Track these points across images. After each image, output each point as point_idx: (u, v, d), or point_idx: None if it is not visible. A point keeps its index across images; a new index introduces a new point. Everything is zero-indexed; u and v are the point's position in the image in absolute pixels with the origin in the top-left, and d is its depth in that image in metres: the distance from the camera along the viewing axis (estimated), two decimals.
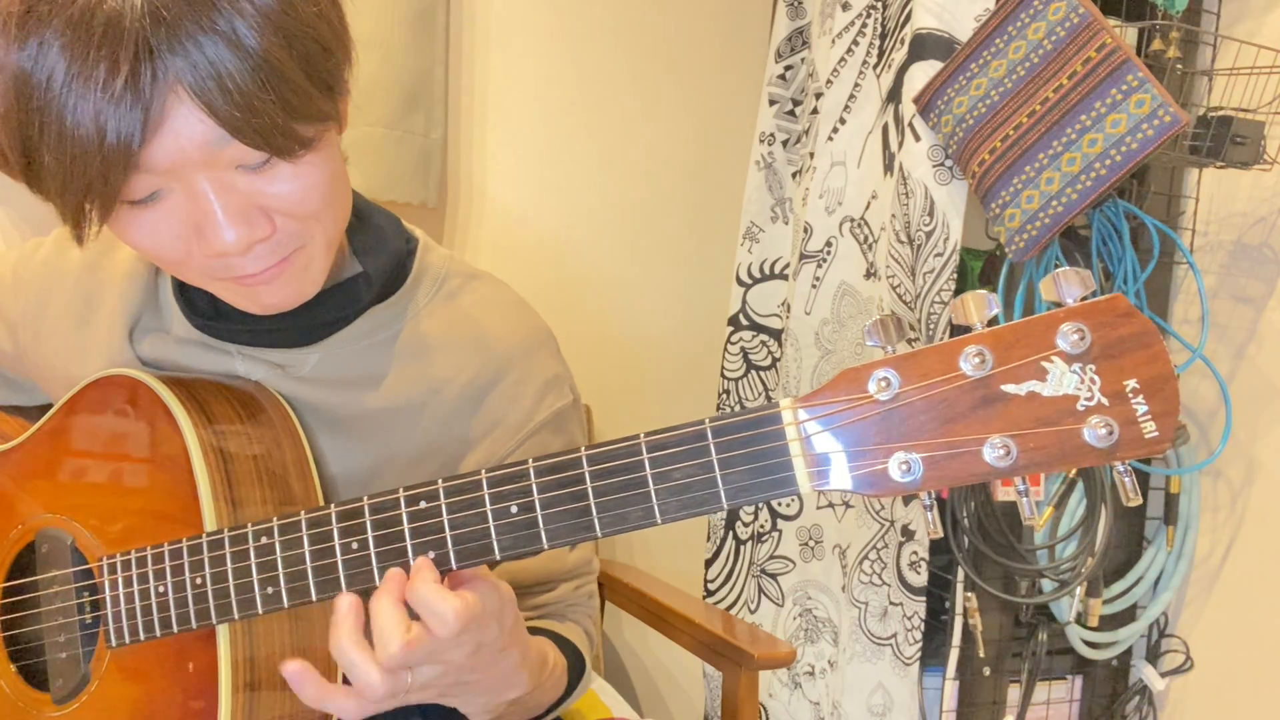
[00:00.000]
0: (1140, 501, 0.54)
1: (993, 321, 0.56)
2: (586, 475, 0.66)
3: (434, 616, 0.68)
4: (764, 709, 1.98)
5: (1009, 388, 0.55)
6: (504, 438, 0.99)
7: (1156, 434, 0.53)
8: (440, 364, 0.98)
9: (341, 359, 0.97)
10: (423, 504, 0.71)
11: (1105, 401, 0.54)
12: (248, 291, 0.84)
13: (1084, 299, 0.54)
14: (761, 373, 2.08)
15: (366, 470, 0.97)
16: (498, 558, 0.69)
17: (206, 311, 0.98)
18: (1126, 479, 0.54)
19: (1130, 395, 0.53)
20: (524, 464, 0.68)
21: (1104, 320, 0.54)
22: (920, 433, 0.57)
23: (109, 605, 0.87)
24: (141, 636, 0.85)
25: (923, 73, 1.56)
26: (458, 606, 0.68)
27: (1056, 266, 1.57)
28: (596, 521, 0.66)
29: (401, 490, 0.72)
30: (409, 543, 0.72)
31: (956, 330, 1.56)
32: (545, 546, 0.67)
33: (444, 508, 0.70)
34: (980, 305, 0.56)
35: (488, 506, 0.69)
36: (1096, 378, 0.54)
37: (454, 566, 0.70)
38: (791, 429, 0.60)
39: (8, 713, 0.96)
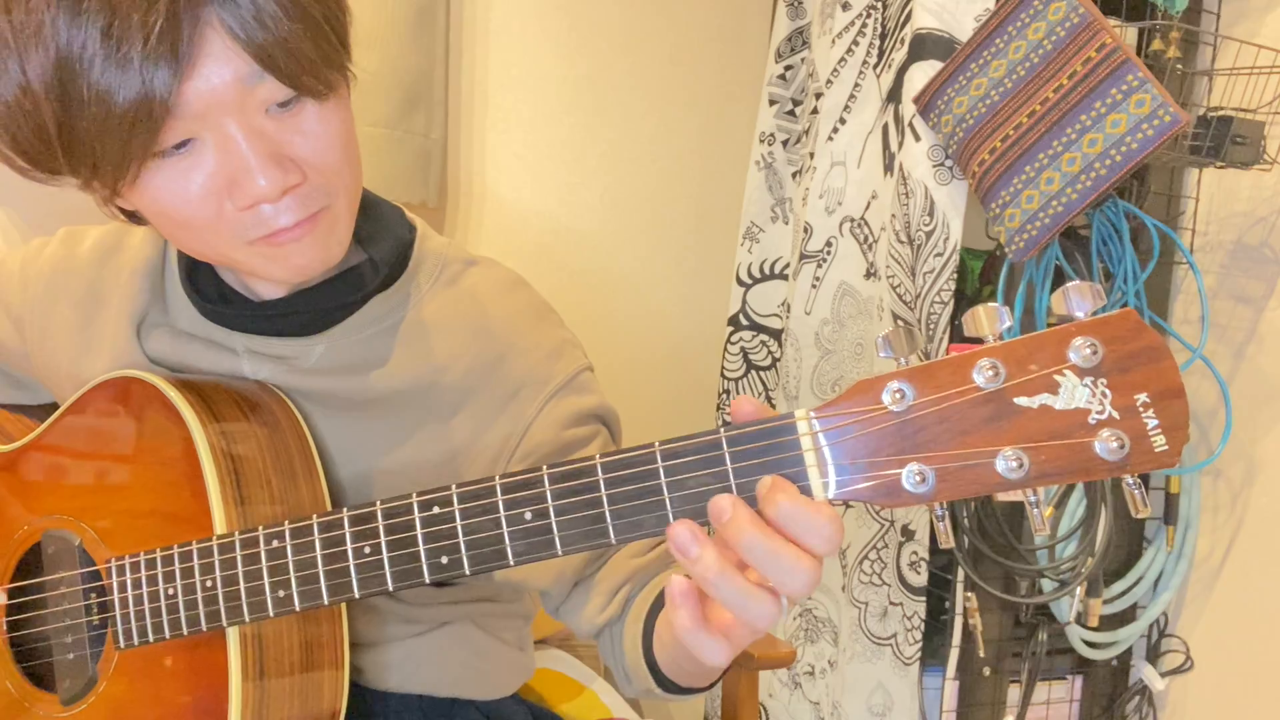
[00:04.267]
0: (1150, 513, 0.54)
1: (1004, 334, 0.57)
2: (601, 483, 0.66)
3: (812, 533, 0.60)
4: (764, 709, 1.98)
5: (1021, 401, 0.55)
6: (527, 401, 0.98)
7: (1166, 448, 0.53)
8: (446, 344, 0.98)
9: (347, 348, 0.97)
10: (436, 509, 0.71)
11: (1116, 415, 0.54)
12: (278, 252, 0.85)
13: (1094, 313, 0.55)
14: (761, 373, 2.08)
15: (384, 451, 0.97)
16: (511, 563, 0.69)
17: (213, 297, 0.98)
18: (1136, 491, 0.55)
19: (1141, 409, 0.54)
20: (538, 470, 0.68)
21: (1116, 335, 0.54)
22: (934, 444, 0.57)
23: (117, 607, 0.87)
24: (150, 638, 0.85)
25: (923, 73, 1.57)
26: (835, 520, 0.60)
27: (1056, 266, 1.58)
28: (611, 529, 0.66)
29: (415, 495, 0.72)
30: (422, 547, 0.72)
31: (957, 331, 1.57)
32: (560, 553, 0.68)
33: (457, 513, 0.70)
34: (992, 318, 0.56)
35: (501, 513, 0.69)
36: (1108, 392, 0.54)
37: (467, 571, 0.71)
38: (806, 439, 0.60)
39: (14, 714, 0.96)
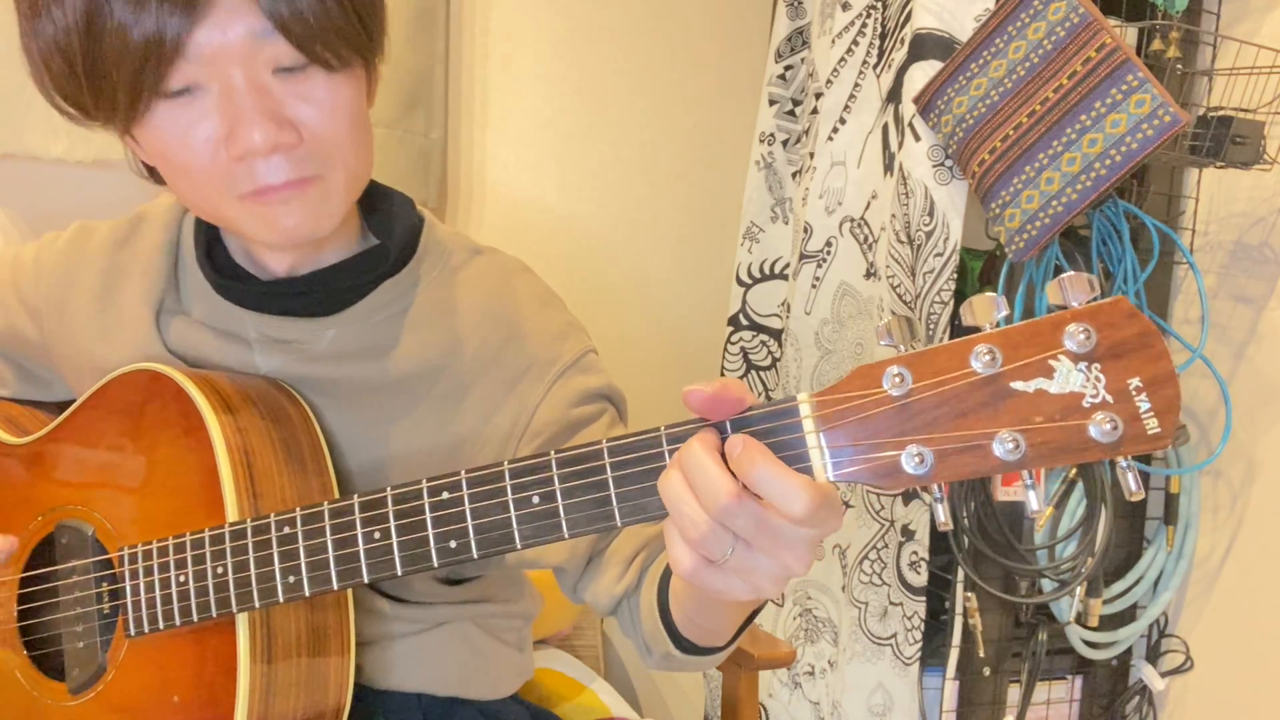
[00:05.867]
0: (1143, 496, 0.55)
1: (1002, 322, 0.58)
2: (608, 466, 0.67)
3: (783, 495, 0.60)
4: (764, 709, 1.98)
5: (1018, 385, 0.56)
6: (534, 381, 1.00)
7: (1158, 430, 0.55)
8: (453, 329, 1.00)
9: (356, 334, 0.99)
10: (445, 495, 0.73)
11: (1110, 399, 0.55)
12: (266, 212, 0.86)
13: (1089, 303, 0.56)
14: (761, 373, 2.09)
15: (393, 438, 0.99)
16: (519, 547, 0.70)
17: (227, 270, 1.00)
18: (1129, 474, 0.56)
19: (1133, 393, 0.55)
20: (546, 455, 0.69)
21: (1108, 321, 0.55)
22: (932, 426, 0.58)
23: (129, 595, 0.88)
24: (161, 625, 0.86)
25: (923, 73, 1.57)
26: (820, 491, 0.60)
27: (1056, 266, 1.58)
28: (617, 511, 0.67)
29: (425, 481, 0.74)
30: (430, 532, 0.73)
31: (957, 330, 1.58)
32: (566, 536, 0.69)
33: (466, 498, 0.72)
34: (987, 308, 0.58)
35: (509, 497, 0.70)
36: (1101, 376, 0.55)
37: (475, 555, 0.72)
38: (809, 421, 0.62)
39: (24, 703, 0.97)
